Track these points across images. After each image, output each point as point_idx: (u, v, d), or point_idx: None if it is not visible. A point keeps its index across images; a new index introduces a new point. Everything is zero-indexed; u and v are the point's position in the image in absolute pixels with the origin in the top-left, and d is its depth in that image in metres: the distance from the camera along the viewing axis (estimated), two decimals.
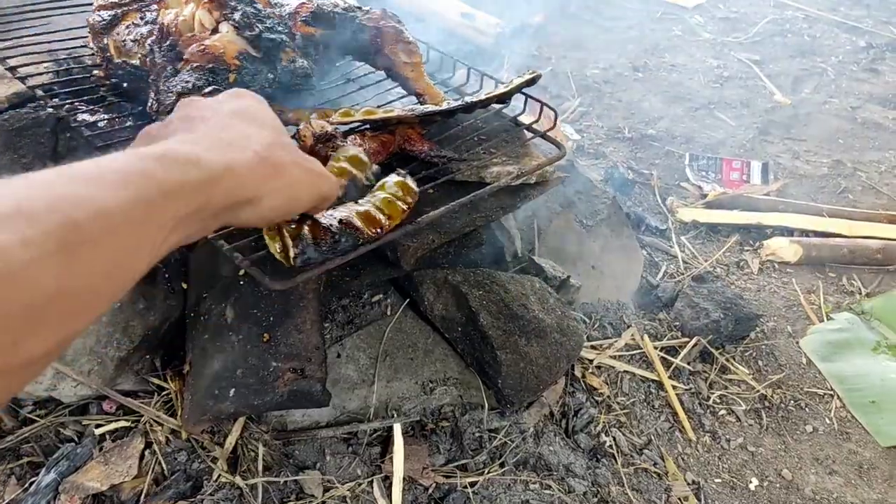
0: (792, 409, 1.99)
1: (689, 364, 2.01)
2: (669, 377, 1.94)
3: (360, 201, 1.25)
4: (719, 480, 1.77)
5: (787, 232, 2.65)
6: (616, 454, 1.72)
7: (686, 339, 2.05)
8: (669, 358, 1.99)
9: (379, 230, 1.18)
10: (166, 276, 1.52)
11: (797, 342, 2.20)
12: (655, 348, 2.00)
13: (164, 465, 1.37)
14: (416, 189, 1.30)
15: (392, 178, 1.30)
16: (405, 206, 1.24)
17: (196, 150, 0.64)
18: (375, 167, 1.40)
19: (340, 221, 1.15)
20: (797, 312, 2.32)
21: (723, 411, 1.94)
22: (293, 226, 1.13)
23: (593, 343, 1.95)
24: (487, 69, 1.98)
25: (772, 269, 2.52)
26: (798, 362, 2.14)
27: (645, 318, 2.13)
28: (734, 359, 2.09)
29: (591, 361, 1.88)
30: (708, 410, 1.93)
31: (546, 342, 1.60)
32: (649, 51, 4.05)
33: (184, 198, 0.59)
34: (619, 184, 2.70)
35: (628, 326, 2.05)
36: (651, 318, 2.15)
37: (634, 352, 1.98)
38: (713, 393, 1.97)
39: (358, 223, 1.17)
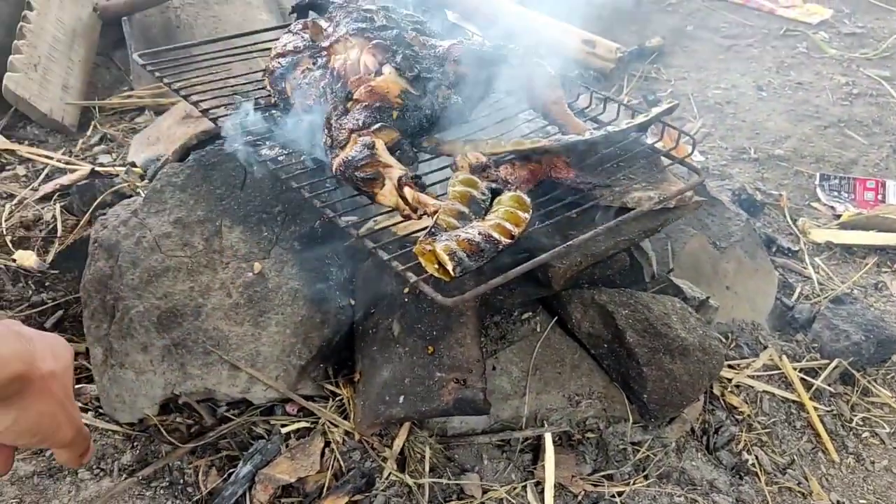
0: None
1: (829, 386, 2.01)
2: (810, 398, 1.95)
3: (486, 217, 1.42)
4: (864, 502, 1.77)
5: None
6: (759, 472, 1.76)
7: (826, 361, 2.05)
8: (809, 379, 2.00)
9: (512, 238, 1.34)
10: (336, 291, 1.70)
11: None
12: (794, 369, 2.01)
13: (341, 462, 1.53)
14: (529, 200, 1.45)
15: (507, 194, 1.47)
16: (525, 216, 1.40)
17: None
18: (485, 184, 1.54)
19: (480, 234, 1.32)
20: None
21: (866, 433, 1.93)
22: (427, 244, 1.31)
23: (730, 363, 1.98)
24: (609, 93, 2.08)
25: None
26: None
27: (781, 339, 2.15)
28: (876, 381, 2.07)
29: (729, 381, 1.92)
30: (851, 432, 1.93)
31: (689, 360, 1.67)
32: (773, 69, 4.01)
33: None
34: (748, 205, 2.71)
35: (765, 347, 2.07)
36: (787, 339, 2.16)
37: (773, 372, 2.00)
38: (856, 415, 1.97)
39: (495, 234, 1.33)
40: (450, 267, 1.31)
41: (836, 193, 2.93)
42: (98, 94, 3.01)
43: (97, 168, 2.26)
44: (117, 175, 2.21)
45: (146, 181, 2.04)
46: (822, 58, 4.15)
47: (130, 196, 2.01)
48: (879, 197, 2.92)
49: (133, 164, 2.12)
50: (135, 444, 1.61)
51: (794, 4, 4.75)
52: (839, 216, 2.78)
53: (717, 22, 4.60)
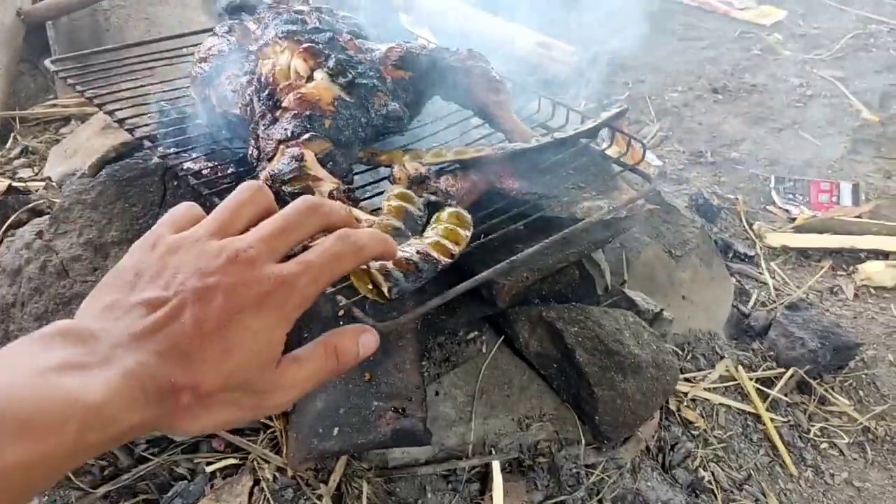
0: None
1: (786, 395, 1.95)
2: (767, 409, 1.89)
3: (425, 234, 1.34)
4: None
5: (883, 255, 2.55)
6: (716, 489, 1.68)
7: (782, 370, 2.00)
8: (766, 389, 1.94)
9: (451, 257, 1.27)
10: None
11: None
12: (751, 379, 1.95)
13: (272, 502, 1.41)
14: (469, 217, 1.38)
15: (446, 210, 1.40)
16: (466, 233, 1.33)
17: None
18: (421, 198, 1.45)
19: (418, 252, 1.23)
20: None
21: (825, 444, 1.88)
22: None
23: (686, 375, 1.91)
24: (565, 97, 2.01)
25: (868, 295, 2.42)
26: None
27: (738, 349, 2.08)
28: (833, 389, 2.02)
29: (685, 394, 1.85)
30: (809, 444, 1.87)
31: (642, 377, 1.59)
32: (728, 72, 3.98)
33: None
34: (705, 210, 2.66)
35: (721, 357, 2.01)
36: (744, 348, 2.10)
37: (729, 383, 1.94)
38: (813, 425, 1.91)
39: (434, 253, 1.25)
40: (385, 288, 1.22)
41: (790, 196, 2.90)
42: (21, 103, 2.84)
43: (15, 183, 2.11)
44: (35, 190, 2.06)
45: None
46: (777, 59, 4.15)
47: (48, 214, 1.87)
48: (833, 199, 2.89)
49: (49, 179, 1.98)
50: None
51: (749, 6, 4.76)
52: (794, 219, 2.74)
53: (672, 24, 4.58)
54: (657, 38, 4.36)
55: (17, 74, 2.81)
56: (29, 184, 2.14)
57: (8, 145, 2.56)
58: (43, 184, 2.06)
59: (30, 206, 1.91)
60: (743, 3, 4.82)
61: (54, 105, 2.73)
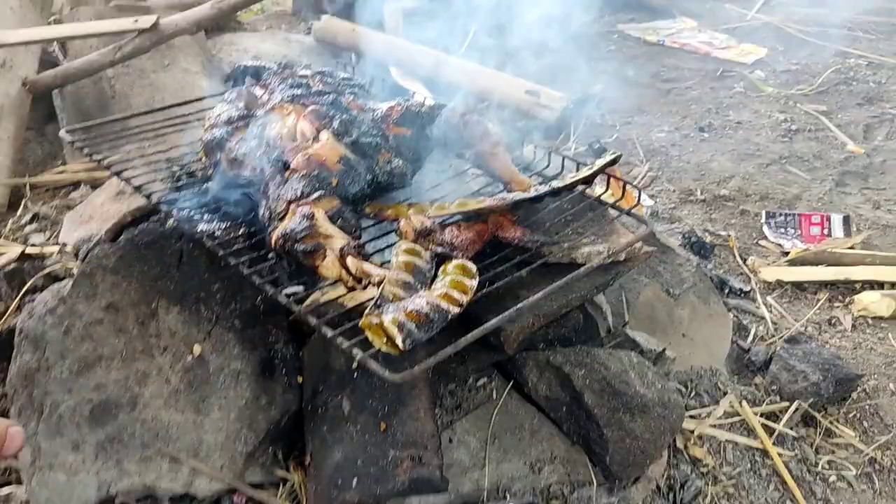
0: None
1: (792, 429, 1.98)
2: (773, 444, 1.92)
3: (433, 286, 1.41)
4: None
5: (878, 285, 2.61)
6: None
7: (786, 404, 2.03)
8: (771, 424, 1.97)
9: (460, 306, 1.33)
10: (283, 370, 1.62)
11: None
12: (755, 414, 1.98)
13: None
14: (474, 268, 1.45)
15: (452, 262, 1.47)
16: (472, 283, 1.40)
17: None
18: (428, 251, 1.53)
19: (428, 304, 1.31)
20: None
21: (833, 477, 1.90)
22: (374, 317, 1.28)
23: (692, 412, 1.95)
24: (555, 142, 2.07)
25: (865, 325, 2.48)
26: None
27: (740, 384, 2.12)
28: (838, 421, 2.05)
29: (692, 432, 1.88)
30: (817, 477, 1.90)
31: (649, 416, 1.63)
32: (713, 110, 4.09)
33: None
34: (698, 248, 2.72)
35: (725, 393, 2.04)
36: (747, 382, 2.14)
37: (734, 419, 1.97)
38: (820, 458, 1.94)
39: (443, 304, 1.32)
40: (398, 340, 1.27)
41: (782, 230, 2.97)
42: (29, 170, 2.90)
43: (28, 249, 2.16)
44: (50, 256, 2.11)
45: (80, 261, 1.94)
46: (760, 96, 4.27)
47: (64, 279, 1.92)
48: (825, 231, 2.96)
49: (65, 245, 2.03)
50: None
51: (730, 45, 4.91)
52: (787, 253, 2.81)
53: (655, 66, 4.71)
54: (640, 80, 4.49)
55: (24, 142, 2.89)
56: (43, 249, 2.20)
57: (19, 212, 2.62)
58: (57, 248, 2.12)
59: (45, 271, 1.96)
60: (723, 42, 4.97)
61: (63, 171, 2.80)
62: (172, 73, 3.12)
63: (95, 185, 2.59)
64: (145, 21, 2.69)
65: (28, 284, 1.91)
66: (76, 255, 1.96)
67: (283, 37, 4.50)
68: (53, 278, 1.97)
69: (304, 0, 5.02)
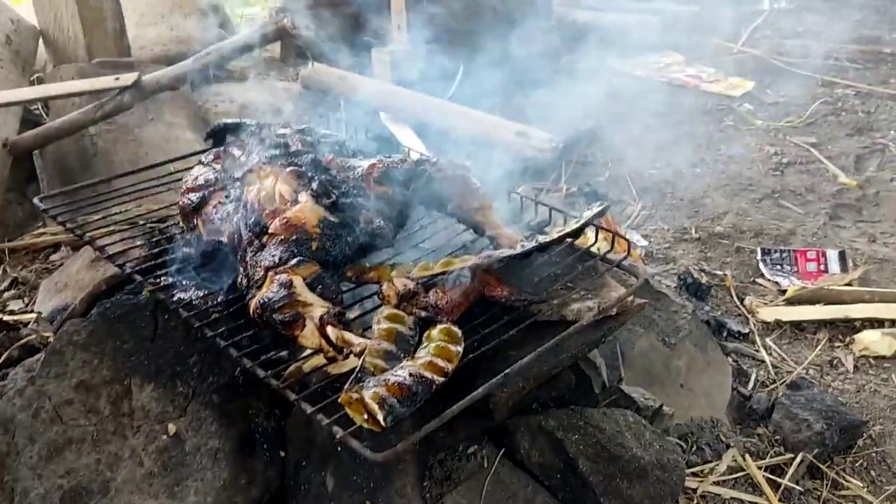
0: None
1: (797, 483, 1.91)
2: (780, 500, 1.85)
3: (417, 354, 1.35)
4: None
5: (878, 323, 2.55)
6: None
7: (790, 456, 1.96)
8: (776, 479, 1.90)
9: (445, 375, 1.28)
10: (264, 445, 1.56)
11: None
12: (759, 468, 1.91)
13: None
14: (459, 332, 1.40)
15: (436, 328, 1.42)
16: (457, 349, 1.35)
17: None
18: (411, 316, 1.48)
19: (411, 375, 1.24)
20: None
21: None
22: (354, 392, 1.22)
23: (693, 469, 1.88)
24: (547, 182, 2.03)
25: (868, 366, 2.41)
26: None
27: (742, 435, 2.06)
28: (845, 471, 1.98)
29: (694, 491, 1.81)
30: None
31: (648, 481, 1.56)
32: (704, 145, 4.07)
33: None
34: (694, 289, 2.67)
35: (727, 446, 1.98)
36: (749, 433, 2.07)
37: (738, 475, 1.90)
38: None
39: (427, 374, 1.26)
40: (380, 417, 1.21)
41: (778, 268, 2.92)
42: (9, 233, 2.85)
43: (6, 317, 2.10)
44: (27, 325, 2.05)
45: (53, 334, 1.89)
46: (750, 129, 4.25)
47: (40, 350, 1.85)
48: (821, 267, 2.91)
49: (41, 314, 1.98)
50: None
51: (718, 79, 4.91)
52: (784, 291, 2.76)
53: (645, 102, 4.69)
54: (629, 116, 4.47)
55: (4, 204, 2.84)
56: (20, 317, 2.14)
57: None
58: (34, 317, 2.06)
59: (21, 342, 1.91)
60: (711, 76, 4.98)
61: (43, 234, 2.75)
62: (157, 127, 3.09)
63: (76, 246, 2.55)
64: (127, 79, 2.67)
65: (3, 357, 1.85)
66: (52, 323, 1.91)
67: (271, 85, 4.50)
68: (30, 349, 1.91)
69: (291, 47, 5.03)
